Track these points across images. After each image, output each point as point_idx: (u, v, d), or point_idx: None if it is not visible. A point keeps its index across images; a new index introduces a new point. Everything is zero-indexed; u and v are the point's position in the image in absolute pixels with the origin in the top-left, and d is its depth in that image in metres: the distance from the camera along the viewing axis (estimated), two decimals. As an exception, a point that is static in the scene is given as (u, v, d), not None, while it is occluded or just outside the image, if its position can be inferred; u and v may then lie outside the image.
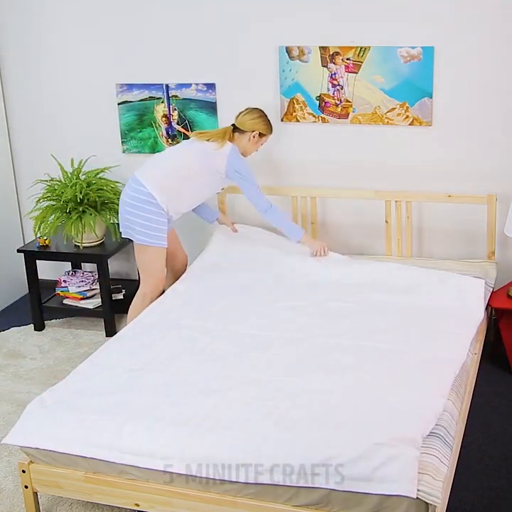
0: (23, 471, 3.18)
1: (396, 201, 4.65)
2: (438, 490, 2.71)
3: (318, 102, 4.69)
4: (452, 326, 3.77)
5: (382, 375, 3.32)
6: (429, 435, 2.95)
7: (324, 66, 4.60)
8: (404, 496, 2.69)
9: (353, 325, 3.81)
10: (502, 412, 3.95)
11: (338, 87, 4.62)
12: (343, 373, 3.32)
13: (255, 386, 3.29)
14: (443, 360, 3.45)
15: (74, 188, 4.83)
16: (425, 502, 2.69)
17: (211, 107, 4.90)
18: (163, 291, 4.48)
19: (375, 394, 3.18)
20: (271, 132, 4.51)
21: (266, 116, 4.46)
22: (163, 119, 5.03)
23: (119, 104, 5.09)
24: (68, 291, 5.08)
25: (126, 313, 5.23)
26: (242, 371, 3.42)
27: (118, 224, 4.94)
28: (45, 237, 4.97)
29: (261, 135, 4.45)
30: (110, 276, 5.18)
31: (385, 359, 3.45)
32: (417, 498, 2.69)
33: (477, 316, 3.94)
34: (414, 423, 2.96)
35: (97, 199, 4.87)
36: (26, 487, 3.21)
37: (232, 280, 4.41)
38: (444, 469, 2.84)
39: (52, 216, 4.87)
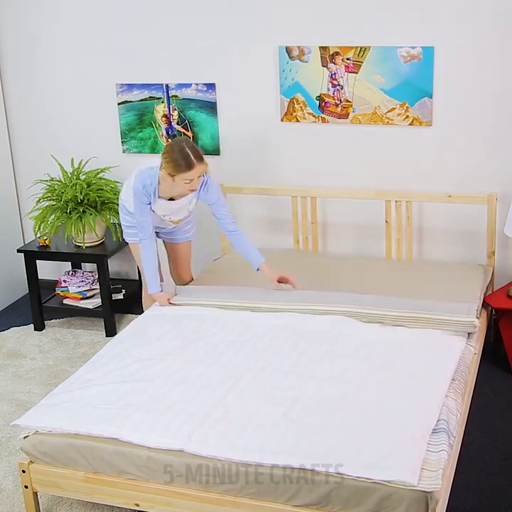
0: (23, 471, 3.19)
1: (396, 201, 4.65)
2: (438, 477, 2.72)
3: (318, 102, 4.69)
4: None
5: (381, 381, 3.33)
6: (432, 432, 2.97)
7: (324, 66, 4.60)
8: (405, 488, 2.68)
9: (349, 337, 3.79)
10: (502, 412, 3.95)
11: (338, 87, 4.62)
12: (343, 378, 3.33)
13: (257, 386, 3.31)
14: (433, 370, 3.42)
15: (74, 188, 4.82)
16: (426, 502, 2.69)
17: (211, 107, 4.90)
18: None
19: (375, 395, 3.19)
20: (183, 172, 3.90)
21: (176, 152, 3.90)
22: (163, 119, 5.03)
23: (119, 104, 5.09)
24: (68, 291, 5.08)
25: (126, 313, 5.26)
26: (246, 370, 3.44)
27: (118, 224, 4.95)
28: (45, 237, 4.97)
29: (171, 174, 3.94)
30: (110, 276, 5.18)
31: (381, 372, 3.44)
32: (418, 491, 2.68)
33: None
34: (416, 421, 2.98)
35: (97, 199, 4.87)
36: (26, 487, 3.21)
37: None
38: (444, 456, 2.85)
39: (52, 216, 4.87)
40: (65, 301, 5.10)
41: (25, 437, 3.18)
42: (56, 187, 4.94)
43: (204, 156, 4.00)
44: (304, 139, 4.82)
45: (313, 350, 3.58)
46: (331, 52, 4.56)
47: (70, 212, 4.83)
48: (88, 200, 4.85)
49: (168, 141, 5.05)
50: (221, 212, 4.21)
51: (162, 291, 4.22)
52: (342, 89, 4.62)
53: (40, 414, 3.22)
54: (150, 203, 4.09)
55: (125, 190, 4.31)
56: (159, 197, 4.11)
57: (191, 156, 3.90)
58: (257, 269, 4.21)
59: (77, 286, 5.07)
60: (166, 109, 5.00)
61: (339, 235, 4.95)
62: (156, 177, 4.04)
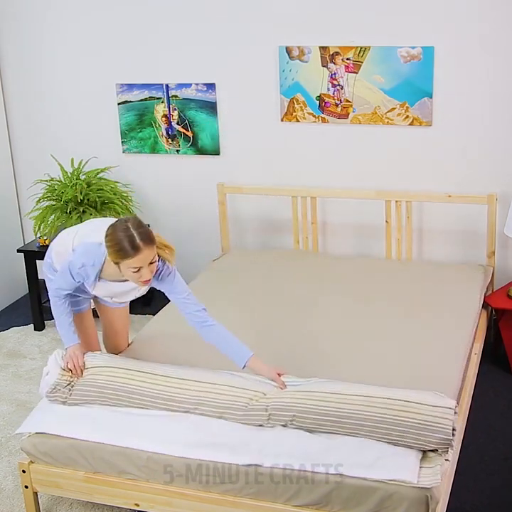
0: (23, 471, 3.19)
1: (396, 201, 4.65)
2: (437, 473, 2.72)
3: (318, 102, 4.69)
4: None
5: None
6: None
7: (324, 66, 4.60)
8: (405, 485, 2.69)
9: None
10: (502, 412, 3.95)
11: (338, 87, 4.62)
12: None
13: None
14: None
15: (74, 188, 4.83)
16: (426, 502, 2.69)
17: (211, 107, 4.90)
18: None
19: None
20: (127, 258, 3.03)
21: (117, 232, 3.04)
22: (163, 119, 5.03)
23: (119, 104, 5.09)
24: (68, 291, 5.08)
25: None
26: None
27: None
28: (45, 237, 4.97)
29: (115, 262, 3.10)
30: (110, 276, 5.17)
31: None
32: (418, 491, 2.69)
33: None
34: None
35: (97, 199, 4.87)
36: (26, 487, 3.21)
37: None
38: (443, 456, 2.85)
39: (53, 216, 4.87)
40: (65, 301, 5.10)
41: (25, 437, 3.18)
42: (56, 187, 4.94)
43: (160, 240, 3.20)
44: (304, 139, 4.82)
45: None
46: (331, 52, 4.56)
47: (70, 212, 4.82)
48: (88, 200, 4.85)
49: (168, 141, 5.05)
50: (180, 300, 3.28)
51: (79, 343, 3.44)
52: (342, 89, 4.62)
53: (40, 419, 3.20)
54: (81, 283, 3.32)
55: (58, 250, 3.50)
56: (100, 279, 3.31)
57: (136, 237, 3.01)
58: (243, 367, 3.25)
59: (77, 286, 5.06)
60: (166, 109, 5.00)
61: (339, 235, 4.95)
62: (102, 256, 3.20)
